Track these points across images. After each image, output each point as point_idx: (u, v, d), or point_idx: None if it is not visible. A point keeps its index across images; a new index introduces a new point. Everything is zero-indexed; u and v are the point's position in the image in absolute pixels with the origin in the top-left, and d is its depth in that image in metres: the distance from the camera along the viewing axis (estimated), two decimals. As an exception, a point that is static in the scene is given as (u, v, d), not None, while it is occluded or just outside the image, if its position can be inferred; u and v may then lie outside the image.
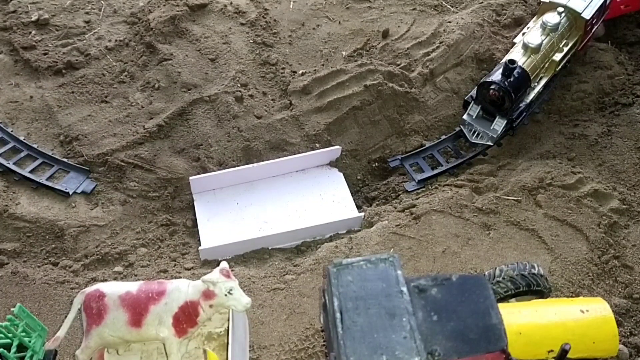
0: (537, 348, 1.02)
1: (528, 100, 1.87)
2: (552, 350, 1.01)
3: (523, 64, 1.88)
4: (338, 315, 0.68)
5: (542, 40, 1.85)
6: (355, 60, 1.88)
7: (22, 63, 1.88)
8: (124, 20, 2.07)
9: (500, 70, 1.78)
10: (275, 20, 2.07)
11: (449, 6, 2.18)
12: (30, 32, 1.98)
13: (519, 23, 2.31)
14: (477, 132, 1.87)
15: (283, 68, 1.92)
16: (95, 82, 1.83)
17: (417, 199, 1.70)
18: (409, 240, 1.37)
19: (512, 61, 1.74)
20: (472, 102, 1.90)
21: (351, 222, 1.60)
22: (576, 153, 1.81)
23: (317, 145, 1.74)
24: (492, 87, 1.75)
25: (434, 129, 1.97)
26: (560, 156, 1.84)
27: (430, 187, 1.90)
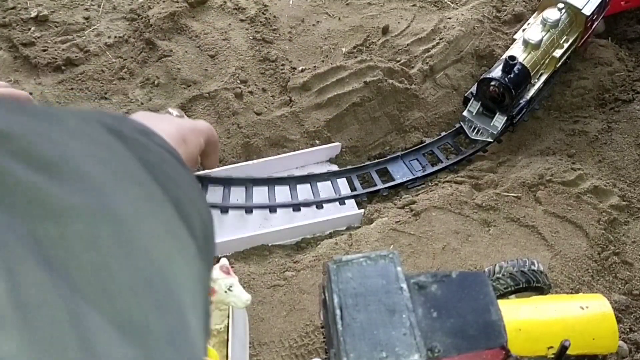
0: (537, 344, 1.02)
1: (528, 97, 1.85)
2: (551, 347, 1.01)
3: (523, 60, 1.87)
4: (338, 312, 0.67)
5: (543, 37, 1.84)
6: (355, 57, 1.86)
7: (22, 59, 1.87)
8: (123, 16, 2.07)
9: (501, 67, 1.77)
10: (274, 17, 2.06)
11: (448, 2, 2.17)
12: (30, 29, 1.97)
13: (519, 19, 2.29)
14: (477, 129, 1.86)
15: (283, 64, 1.90)
16: (95, 78, 1.81)
17: (416, 195, 1.69)
18: (408, 237, 1.36)
19: (512, 57, 1.73)
20: (472, 98, 1.88)
21: (351, 218, 1.58)
22: (576, 149, 1.80)
23: (317, 142, 1.72)
24: (493, 83, 1.74)
25: (434, 126, 1.95)
26: (560, 152, 1.83)
27: (430, 184, 1.89)
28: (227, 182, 1.29)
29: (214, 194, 1.31)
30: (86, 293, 0.21)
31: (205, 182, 1.27)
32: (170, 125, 0.48)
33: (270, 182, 1.32)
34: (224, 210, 1.24)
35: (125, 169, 0.28)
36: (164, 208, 0.28)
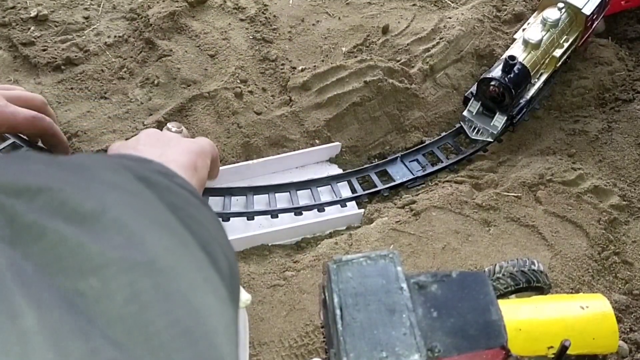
0: (537, 344, 1.01)
1: (528, 97, 1.84)
2: (552, 347, 1.00)
3: (523, 60, 1.86)
4: (338, 311, 0.67)
5: (543, 36, 1.82)
6: (355, 56, 1.85)
7: (21, 59, 1.86)
8: (123, 16, 2.05)
9: (501, 67, 1.76)
10: (274, 16, 2.05)
11: (449, 2, 2.16)
12: (29, 28, 1.96)
13: (520, 19, 2.28)
14: (477, 129, 1.84)
15: (283, 64, 1.89)
16: (95, 78, 1.80)
17: (417, 195, 1.67)
18: (408, 237, 1.35)
19: (512, 57, 1.72)
20: (472, 98, 1.87)
21: (351, 218, 1.57)
22: (576, 149, 1.78)
23: (317, 141, 1.71)
24: (492, 83, 1.73)
25: (434, 125, 1.94)
26: (561, 152, 1.81)
27: (430, 184, 1.88)
28: (227, 192, 1.31)
29: (214, 203, 1.32)
30: (128, 347, 0.21)
31: (206, 193, 1.27)
32: (181, 155, 0.48)
33: (271, 189, 1.34)
34: (226, 219, 1.24)
35: (158, 217, 0.29)
36: (196, 254, 0.29)
